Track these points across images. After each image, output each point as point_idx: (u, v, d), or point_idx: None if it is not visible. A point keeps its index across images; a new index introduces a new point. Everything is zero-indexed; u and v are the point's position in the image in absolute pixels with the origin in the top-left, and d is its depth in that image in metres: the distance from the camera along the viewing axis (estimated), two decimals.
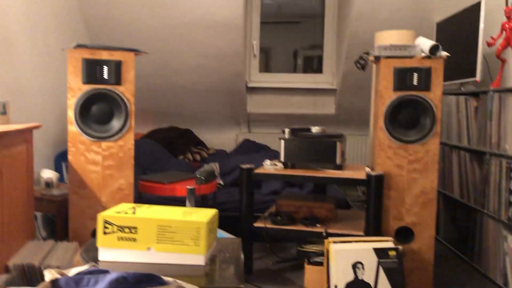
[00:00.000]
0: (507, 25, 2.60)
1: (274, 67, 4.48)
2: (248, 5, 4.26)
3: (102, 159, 2.27)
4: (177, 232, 1.15)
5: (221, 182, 3.44)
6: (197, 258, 1.16)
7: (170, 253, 1.16)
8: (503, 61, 2.69)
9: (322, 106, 4.37)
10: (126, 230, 1.16)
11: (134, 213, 1.20)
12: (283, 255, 2.86)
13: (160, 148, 3.87)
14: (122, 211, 1.21)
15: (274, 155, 3.75)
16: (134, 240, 1.16)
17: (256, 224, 2.50)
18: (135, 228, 1.16)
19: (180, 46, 3.76)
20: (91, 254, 1.24)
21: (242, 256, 1.33)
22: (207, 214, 1.23)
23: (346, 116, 4.38)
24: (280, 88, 4.32)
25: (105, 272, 0.86)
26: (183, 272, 1.13)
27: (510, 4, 2.76)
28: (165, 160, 3.79)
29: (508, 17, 2.59)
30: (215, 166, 3.65)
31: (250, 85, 4.27)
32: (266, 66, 4.48)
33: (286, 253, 2.90)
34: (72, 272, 0.90)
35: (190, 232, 1.15)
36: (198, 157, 3.97)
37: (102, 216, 1.16)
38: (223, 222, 3.20)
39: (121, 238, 1.16)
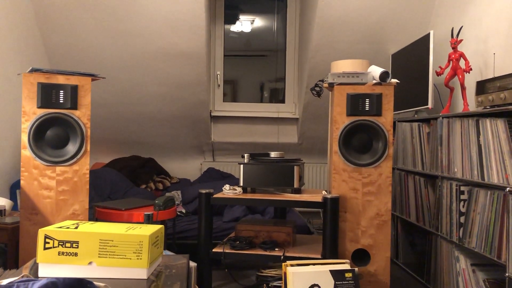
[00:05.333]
0: (453, 56, 2.75)
1: (242, 99, 4.56)
2: (212, 36, 4.36)
3: (56, 184, 2.24)
4: (119, 246, 1.15)
5: (183, 210, 3.41)
6: (140, 272, 1.15)
7: (112, 267, 1.15)
8: (451, 89, 2.83)
9: (285, 135, 4.44)
10: (67, 244, 1.14)
11: (76, 228, 1.18)
12: (243, 281, 2.83)
13: (121, 177, 3.82)
14: (64, 226, 1.20)
15: (238, 183, 3.76)
16: (75, 254, 1.14)
17: (215, 250, 2.48)
18: (76, 242, 1.14)
19: (143, 75, 3.79)
20: (34, 272, 1.21)
21: (191, 273, 1.32)
22: (152, 228, 1.23)
23: (308, 144, 4.46)
24: (244, 117, 4.38)
25: (37, 280, 0.85)
26: (125, 286, 1.11)
27: (455, 35, 2.93)
28: (127, 189, 3.74)
29: (453, 48, 2.74)
30: (176, 194, 3.64)
31: (214, 114, 4.32)
32: (233, 98, 4.55)
33: (247, 279, 2.87)
34: (3, 283, 0.88)
35: (132, 246, 1.15)
36: (160, 186, 3.94)
37: (42, 230, 1.15)
38: (183, 250, 3.17)
39: (62, 253, 1.14)
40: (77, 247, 1.15)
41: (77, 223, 1.25)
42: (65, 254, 1.15)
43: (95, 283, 0.83)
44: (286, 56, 4.46)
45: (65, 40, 3.54)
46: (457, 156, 2.43)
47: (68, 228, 1.18)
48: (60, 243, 1.15)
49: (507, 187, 1.89)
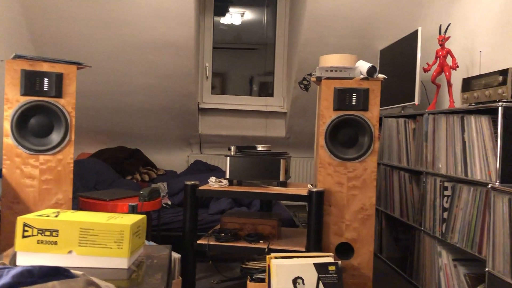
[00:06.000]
0: (440, 53, 2.76)
1: (231, 92, 4.54)
2: (201, 27, 4.33)
3: (39, 173, 2.21)
4: (99, 235, 1.14)
5: (169, 202, 3.40)
6: (120, 262, 1.14)
7: (92, 256, 1.14)
8: (438, 86, 2.85)
9: (273, 129, 4.44)
10: (47, 233, 1.13)
11: (56, 216, 1.17)
12: (227, 274, 2.84)
13: (107, 168, 3.79)
14: (43, 214, 1.18)
15: (224, 176, 3.76)
16: (55, 243, 1.13)
17: (200, 242, 2.47)
18: (56, 231, 1.13)
19: (130, 65, 3.76)
20: (13, 261, 1.19)
21: (174, 264, 1.32)
22: (133, 218, 1.22)
23: (295, 139, 4.47)
24: (232, 110, 4.37)
25: (13, 268, 0.84)
26: (105, 275, 1.11)
27: (443, 32, 2.95)
28: (113, 180, 3.71)
29: (441, 45, 2.75)
30: (162, 186, 3.62)
31: (202, 106, 4.30)
32: (222, 91, 4.53)
33: (231, 272, 2.88)
34: None
35: (113, 235, 1.14)
36: (146, 177, 3.92)
37: (21, 218, 1.13)
38: (168, 242, 3.16)
39: (41, 242, 1.13)
40: (57, 236, 1.14)
41: (58, 212, 1.23)
42: (44, 242, 1.14)
43: (72, 271, 0.82)
44: (275, 49, 4.46)
45: (51, 28, 3.48)
46: (442, 152, 2.45)
47: (48, 216, 1.16)
48: (39, 232, 1.13)
49: (490, 183, 1.91)
